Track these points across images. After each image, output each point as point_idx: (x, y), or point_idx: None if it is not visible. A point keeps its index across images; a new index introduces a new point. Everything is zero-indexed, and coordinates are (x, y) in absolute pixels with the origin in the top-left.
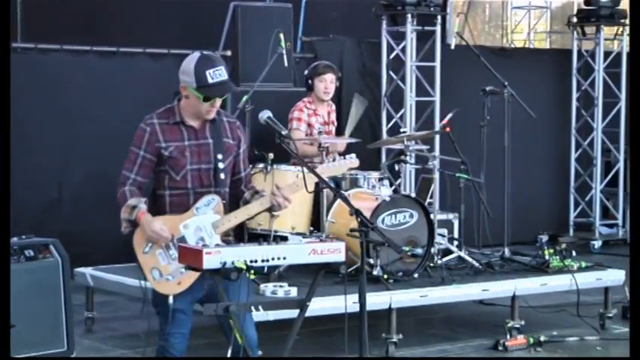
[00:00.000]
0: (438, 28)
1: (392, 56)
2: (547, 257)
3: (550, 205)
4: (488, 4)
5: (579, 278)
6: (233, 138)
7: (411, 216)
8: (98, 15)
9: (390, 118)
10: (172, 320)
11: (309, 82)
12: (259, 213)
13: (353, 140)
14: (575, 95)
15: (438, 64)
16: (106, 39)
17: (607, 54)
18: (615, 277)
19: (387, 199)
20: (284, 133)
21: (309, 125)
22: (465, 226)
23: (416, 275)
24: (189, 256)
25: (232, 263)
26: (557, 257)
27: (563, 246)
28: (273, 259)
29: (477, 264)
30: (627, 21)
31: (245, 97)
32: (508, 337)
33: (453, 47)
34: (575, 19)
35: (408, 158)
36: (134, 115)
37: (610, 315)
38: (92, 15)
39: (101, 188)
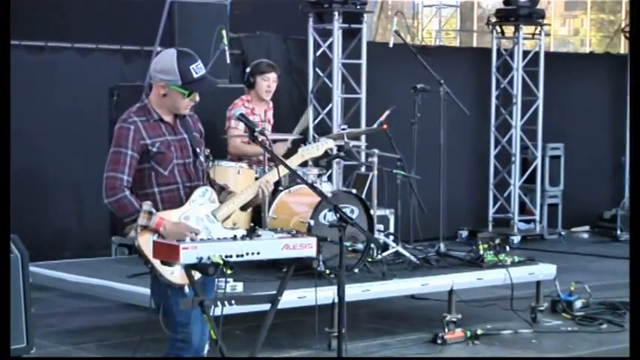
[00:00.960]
0: (364, 26)
1: (318, 53)
2: (481, 252)
3: (469, 201)
4: (399, 3)
5: (513, 273)
6: (198, 131)
7: (352, 212)
8: (26, 9)
9: (316, 114)
10: (186, 312)
11: (251, 79)
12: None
13: (297, 136)
14: (494, 93)
15: (364, 61)
16: (34, 33)
17: (525, 53)
18: (547, 271)
19: (329, 194)
20: (257, 130)
21: None
22: (396, 220)
23: (356, 270)
24: (166, 252)
25: (209, 258)
26: (492, 252)
27: (497, 241)
28: (247, 254)
29: (414, 259)
30: (545, 21)
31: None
32: (446, 330)
33: (391, 45)
34: (494, 19)
35: (343, 155)
36: (62, 111)
37: (541, 308)
38: (19, 9)
39: (30, 184)
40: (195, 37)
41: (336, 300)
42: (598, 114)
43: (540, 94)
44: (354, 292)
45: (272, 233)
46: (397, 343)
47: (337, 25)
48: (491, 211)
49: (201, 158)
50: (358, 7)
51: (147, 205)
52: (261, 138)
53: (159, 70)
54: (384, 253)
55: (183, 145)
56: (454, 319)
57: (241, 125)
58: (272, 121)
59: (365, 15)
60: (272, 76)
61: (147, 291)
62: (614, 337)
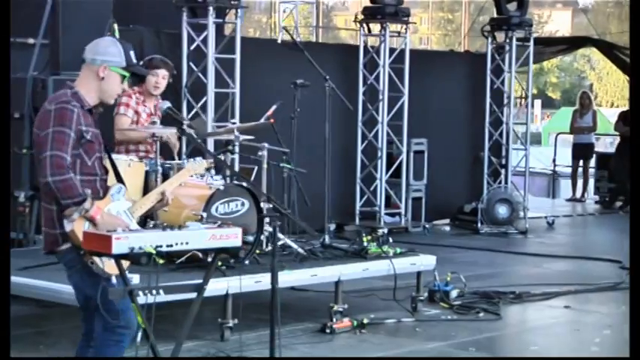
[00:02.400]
0: (239, 22)
1: (192, 47)
2: (365, 244)
3: (336, 194)
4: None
5: (396, 263)
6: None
7: (243, 204)
8: None
9: (190, 108)
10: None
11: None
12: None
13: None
14: (361, 89)
15: (237, 56)
16: None
17: (391, 50)
18: (427, 262)
19: (222, 187)
20: (186, 123)
21: (137, 113)
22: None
23: (247, 262)
24: (97, 242)
25: (141, 248)
26: (375, 244)
27: (380, 233)
28: (176, 244)
29: (301, 251)
30: (410, 19)
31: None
32: (334, 320)
33: (279, 41)
34: (361, 16)
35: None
36: None
37: (421, 298)
38: None
39: None
40: (79, 30)
41: (229, 292)
42: (458, 111)
43: (406, 90)
44: (246, 283)
45: (199, 224)
46: (287, 333)
47: (212, 20)
48: (358, 204)
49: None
50: (232, 2)
51: (89, 191)
52: (189, 131)
53: (102, 52)
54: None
55: (100, 140)
56: (340, 309)
57: (130, 113)
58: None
59: (239, 10)
60: (162, 73)
61: (38, 283)
62: (492, 325)
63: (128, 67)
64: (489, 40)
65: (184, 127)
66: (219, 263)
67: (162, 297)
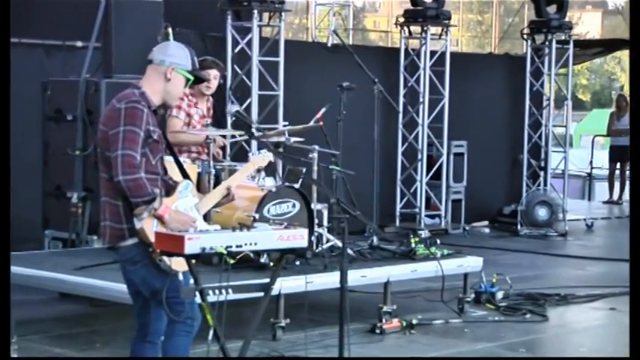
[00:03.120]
0: (282, 25)
1: (237, 50)
2: (413, 245)
3: (377, 196)
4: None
5: (443, 265)
6: None
7: (294, 206)
8: None
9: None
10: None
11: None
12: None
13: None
14: (402, 92)
15: (281, 59)
16: None
17: (432, 53)
18: (474, 263)
19: (273, 189)
20: (254, 126)
21: (188, 115)
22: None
23: (297, 262)
24: (169, 242)
25: (212, 248)
26: (423, 245)
27: (428, 234)
28: (245, 244)
29: (350, 252)
30: (451, 22)
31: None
32: (383, 320)
33: (329, 45)
34: (402, 19)
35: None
36: None
37: (468, 299)
38: None
39: None
40: (131, 33)
41: (282, 292)
42: (496, 113)
43: (446, 93)
44: (298, 283)
45: (266, 225)
46: (337, 333)
47: (256, 23)
48: (399, 206)
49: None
50: (277, 5)
51: (157, 190)
52: (257, 134)
53: (169, 54)
54: (324, 246)
55: (162, 140)
56: (389, 310)
57: (182, 115)
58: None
59: (283, 13)
60: (213, 73)
61: (96, 282)
62: (540, 326)
63: (193, 70)
64: (528, 42)
65: (253, 130)
66: (271, 264)
67: (231, 296)
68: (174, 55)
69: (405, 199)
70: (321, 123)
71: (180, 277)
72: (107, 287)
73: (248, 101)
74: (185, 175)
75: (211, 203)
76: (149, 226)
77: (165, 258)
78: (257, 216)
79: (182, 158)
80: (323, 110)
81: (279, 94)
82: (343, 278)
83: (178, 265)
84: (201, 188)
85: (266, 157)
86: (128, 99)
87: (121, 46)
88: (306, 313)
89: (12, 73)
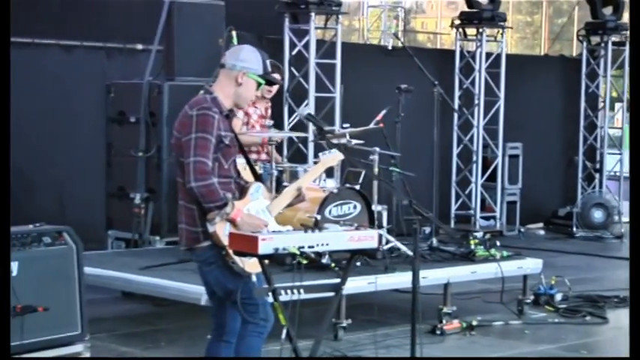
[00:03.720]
0: (339, 27)
1: (294, 53)
2: (473, 247)
3: (432, 197)
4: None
5: (503, 267)
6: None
7: (355, 207)
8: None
9: (291, 112)
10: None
11: None
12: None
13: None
14: (457, 93)
15: (338, 61)
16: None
17: (488, 55)
18: (534, 265)
19: (335, 190)
20: (326, 129)
21: (247, 114)
22: (390, 215)
23: (358, 263)
24: (243, 243)
25: (285, 249)
26: (482, 247)
27: (488, 236)
28: (317, 245)
29: (410, 253)
30: (507, 23)
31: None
32: (443, 321)
33: (390, 48)
34: (457, 21)
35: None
36: (50, 107)
37: (528, 301)
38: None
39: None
40: (193, 36)
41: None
42: (552, 114)
43: (502, 94)
44: (359, 284)
45: (337, 226)
46: (398, 333)
47: (313, 26)
48: (454, 207)
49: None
50: (333, 7)
51: (229, 194)
52: (329, 136)
53: (241, 59)
54: (385, 248)
55: (235, 143)
56: (449, 311)
57: (240, 114)
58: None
59: (340, 16)
60: (276, 77)
61: (162, 282)
62: (600, 328)
63: (264, 75)
64: (584, 44)
65: (325, 133)
66: (332, 265)
67: (303, 295)
68: (245, 60)
69: (460, 201)
70: (382, 125)
71: (254, 278)
72: (172, 287)
73: (305, 103)
74: (257, 177)
75: (283, 204)
76: (221, 230)
77: (238, 260)
78: (319, 217)
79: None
80: (383, 112)
81: (336, 96)
82: (415, 278)
83: (251, 267)
84: None
85: (336, 156)
86: (200, 105)
87: (183, 48)
88: (376, 314)
89: (74, 76)
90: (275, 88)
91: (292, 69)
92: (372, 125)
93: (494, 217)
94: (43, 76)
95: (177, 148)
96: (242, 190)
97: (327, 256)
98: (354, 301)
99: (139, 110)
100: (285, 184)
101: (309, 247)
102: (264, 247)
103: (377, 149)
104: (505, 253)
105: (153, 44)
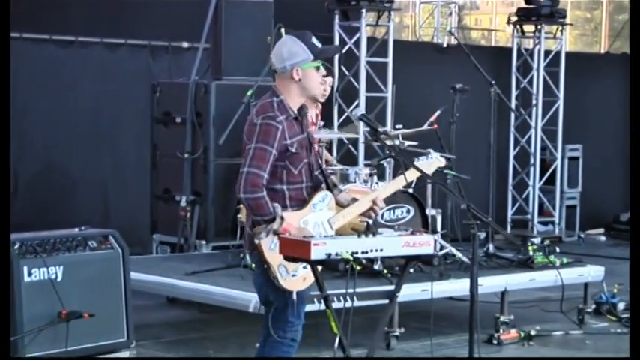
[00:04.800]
0: (391, 24)
1: (344, 51)
2: (531, 253)
3: (487, 201)
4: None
5: (563, 274)
6: (309, 125)
7: (408, 211)
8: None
9: (341, 113)
10: (297, 313)
11: None
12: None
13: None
14: (514, 93)
15: (390, 59)
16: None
17: (546, 53)
18: (595, 272)
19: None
20: (381, 130)
21: None
22: (444, 220)
23: (411, 270)
24: (295, 247)
25: (337, 254)
26: (541, 253)
27: (547, 242)
28: (372, 250)
29: (465, 259)
30: (566, 20)
31: (250, 92)
32: (501, 330)
33: (445, 45)
34: (515, 18)
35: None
36: (92, 106)
37: (589, 310)
38: (48, 3)
39: (55, 179)
40: (240, 34)
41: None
42: (613, 115)
43: (561, 94)
44: (413, 291)
45: (391, 231)
46: (453, 343)
47: (364, 23)
48: (510, 212)
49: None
50: (385, 4)
51: (279, 210)
52: (384, 138)
53: (287, 57)
54: (439, 254)
55: (305, 144)
56: (507, 320)
57: None
58: (321, 124)
59: (392, 13)
60: (329, 80)
61: (208, 288)
62: None
63: (317, 57)
64: None
65: (380, 135)
66: (385, 271)
67: (356, 303)
68: (291, 56)
69: (516, 205)
70: (435, 126)
71: (294, 296)
72: (218, 293)
73: (355, 103)
74: (329, 187)
75: (350, 217)
76: (266, 245)
77: (279, 276)
78: (370, 221)
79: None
80: (437, 113)
81: (388, 95)
82: (474, 286)
83: (293, 284)
84: None
85: (433, 162)
86: (265, 113)
87: (230, 47)
88: (430, 323)
89: (119, 75)
90: (328, 90)
91: (342, 68)
92: (425, 126)
93: (552, 222)
94: (88, 76)
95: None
96: (305, 200)
97: (379, 262)
98: (407, 309)
99: (185, 110)
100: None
101: (363, 252)
102: (317, 252)
103: (431, 151)
104: (565, 260)
105: (199, 42)
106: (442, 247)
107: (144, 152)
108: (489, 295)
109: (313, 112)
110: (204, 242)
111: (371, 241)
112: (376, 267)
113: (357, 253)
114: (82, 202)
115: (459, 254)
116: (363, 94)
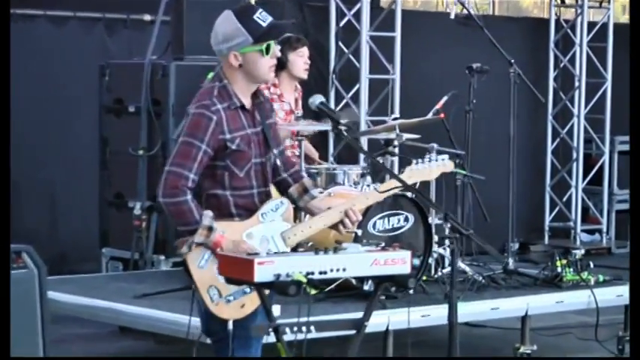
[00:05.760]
0: None
1: (342, 24)
2: (559, 269)
3: (521, 206)
4: None
5: (598, 295)
6: (271, 116)
7: (406, 220)
8: None
9: (339, 98)
10: (244, 348)
11: (281, 59)
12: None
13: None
14: (552, 74)
15: (398, 34)
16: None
17: (591, 25)
18: None
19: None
20: (343, 122)
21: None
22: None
23: (411, 291)
24: (236, 267)
25: (288, 275)
26: (572, 269)
27: (579, 256)
28: (332, 270)
29: (479, 278)
30: None
31: (211, 74)
32: None
33: (452, 17)
34: None
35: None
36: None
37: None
38: None
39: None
40: (206, 5)
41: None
42: None
43: (609, 75)
44: (412, 317)
45: (358, 246)
46: None
47: None
48: (548, 218)
49: (275, 152)
50: None
51: (207, 219)
52: (346, 132)
53: (222, 40)
54: (445, 270)
55: (261, 140)
56: (528, 351)
57: None
58: (301, 112)
59: None
60: (305, 51)
61: (161, 314)
62: None
63: (258, 40)
64: None
65: (341, 127)
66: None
67: (314, 334)
68: (227, 38)
69: (555, 210)
70: (442, 115)
71: (230, 326)
72: (172, 320)
73: (356, 87)
74: (287, 192)
75: (309, 232)
76: (194, 261)
77: (208, 302)
78: (359, 232)
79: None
80: (444, 99)
81: (395, 77)
82: (452, 314)
83: (225, 311)
84: None
85: (438, 166)
86: (200, 102)
87: (194, 19)
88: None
89: (67, 55)
90: (304, 53)
91: (340, 44)
92: (429, 116)
93: (599, 231)
94: (29, 56)
95: None
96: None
97: (369, 283)
98: (406, 338)
99: (139, 98)
100: (317, 191)
101: (321, 272)
102: (262, 273)
103: (434, 146)
104: (602, 278)
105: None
106: (451, 263)
107: (92, 149)
108: (509, 321)
109: (292, 97)
110: (162, 258)
111: (331, 258)
112: (366, 288)
113: (312, 273)
114: (28, 209)
115: (470, 272)
116: (364, 75)
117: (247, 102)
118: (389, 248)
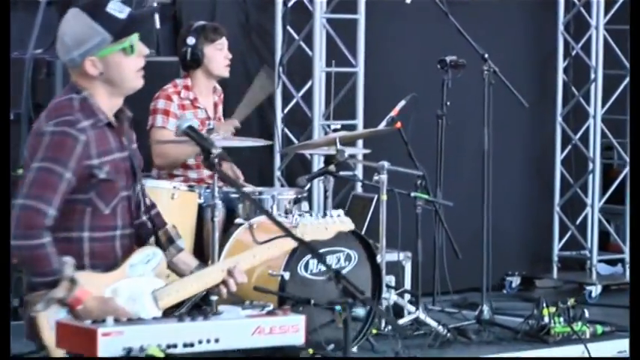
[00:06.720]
0: None
1: (291, 3)
2: (546, 319)
3: (524, 230)
4: None
5: (594, 350)
6: (134, 139)
7: (348, 258)
8: None
9: (288, 98)
10: None
11: (197, 53)
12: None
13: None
14: (561, 65)
15: (362, 16)
16: None
17: (609, 3)
18: None
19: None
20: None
21: None
22: (415, 269)
23: (355, 349)
24: (75, 339)
25: (142, 349)
26: (562, 319)
27: (571, 302)
28: (200, 342)
29: (443, 330)
30: None
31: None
32: None
33: (408, 1)
34: None
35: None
36: None
37: None
38: None
39: None
40: None
41: None
42: None
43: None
44: None
45: (238, 309)
46: None
47: None
48: (557, 246)
49: (141, 184)
50: None
51: (69, 269)
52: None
53: (72, 46)
54: (400, 322)
55: (128, 167)
56: None
57: (171, 124)
58: (222, 120)
59: None
60: (225, 43)
61: None
62: None
63: (120, 35)
64: None
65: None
66: (310, 351)
67: None
68: (79, 41)
69: (567, 235)
70: (398, 125)
71: None
72: None
73: (309, 84)
74: (158, 240)
75: (188, 292)
76: (47, 322)
77: None
78: (286, 275)
79: (175, 183)
80: (402, 104)
81: (358, 70)
82: None
83: None
84: (203, 229)
85: (340, 224)
86: (60, 115)
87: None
88: None
89: None
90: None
91: (289, 28)
92: (381, 126)
93: (622, 261)
94: None
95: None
96: (117, 257)
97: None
98: None
99: (19, 102)
100: (238, 221)
101: (186, 345)
102: (108, 347)
103: (385, 165)
104: (600, 329)
105: None
106: (408, 312)
107: None
108: None
109: (209, 101)
110: None
111: (200, 327)
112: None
113: (174, 346)
114: None
115: (433, 323)
116: (319, 68)
117: (112, 119)
118: (278, 312)
